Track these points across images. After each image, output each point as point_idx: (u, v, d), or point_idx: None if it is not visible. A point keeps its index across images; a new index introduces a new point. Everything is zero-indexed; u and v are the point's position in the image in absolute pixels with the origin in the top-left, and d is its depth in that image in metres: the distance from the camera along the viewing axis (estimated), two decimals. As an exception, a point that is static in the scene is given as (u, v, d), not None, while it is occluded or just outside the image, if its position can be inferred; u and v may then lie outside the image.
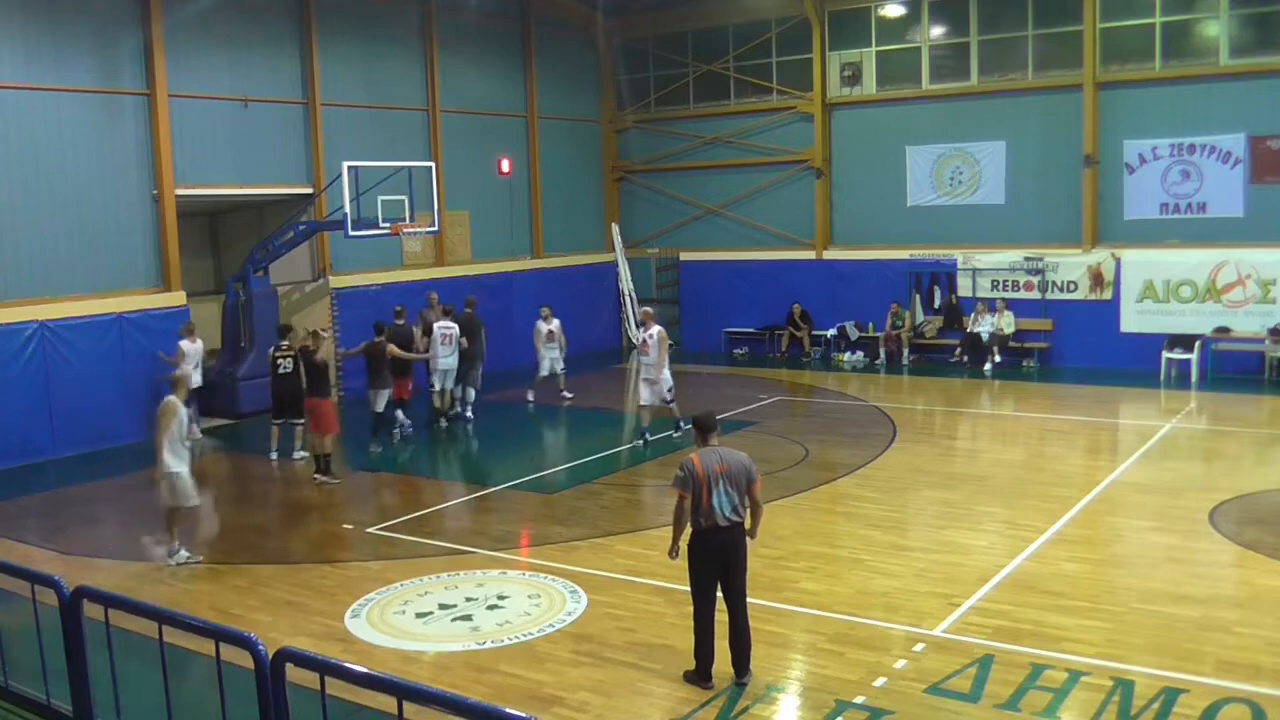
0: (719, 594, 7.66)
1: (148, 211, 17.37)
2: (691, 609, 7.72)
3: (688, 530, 7.65)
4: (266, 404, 18.44)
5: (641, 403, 15.76)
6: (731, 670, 7.67)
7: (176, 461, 10.68)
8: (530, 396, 18.88)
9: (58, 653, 6.30)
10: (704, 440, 7.77)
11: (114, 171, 16.88)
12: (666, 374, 15.62)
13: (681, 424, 15.52)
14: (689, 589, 7.74)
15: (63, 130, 16.26)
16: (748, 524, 7.71)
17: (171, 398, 10.78)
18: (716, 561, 7.54)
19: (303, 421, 14.97)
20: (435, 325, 17.14)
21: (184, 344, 16.14)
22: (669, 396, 15.74)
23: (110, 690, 6.19)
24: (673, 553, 7.78)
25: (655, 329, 15.51)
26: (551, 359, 18.93)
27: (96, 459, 15.78)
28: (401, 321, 16.77)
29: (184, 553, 10.84)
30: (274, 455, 15.44)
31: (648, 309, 16.68)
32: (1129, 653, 7.91)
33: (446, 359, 17.04)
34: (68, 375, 15.97)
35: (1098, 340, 20.62)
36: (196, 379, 16.15)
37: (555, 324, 18.87)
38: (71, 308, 16.16)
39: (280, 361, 15.15)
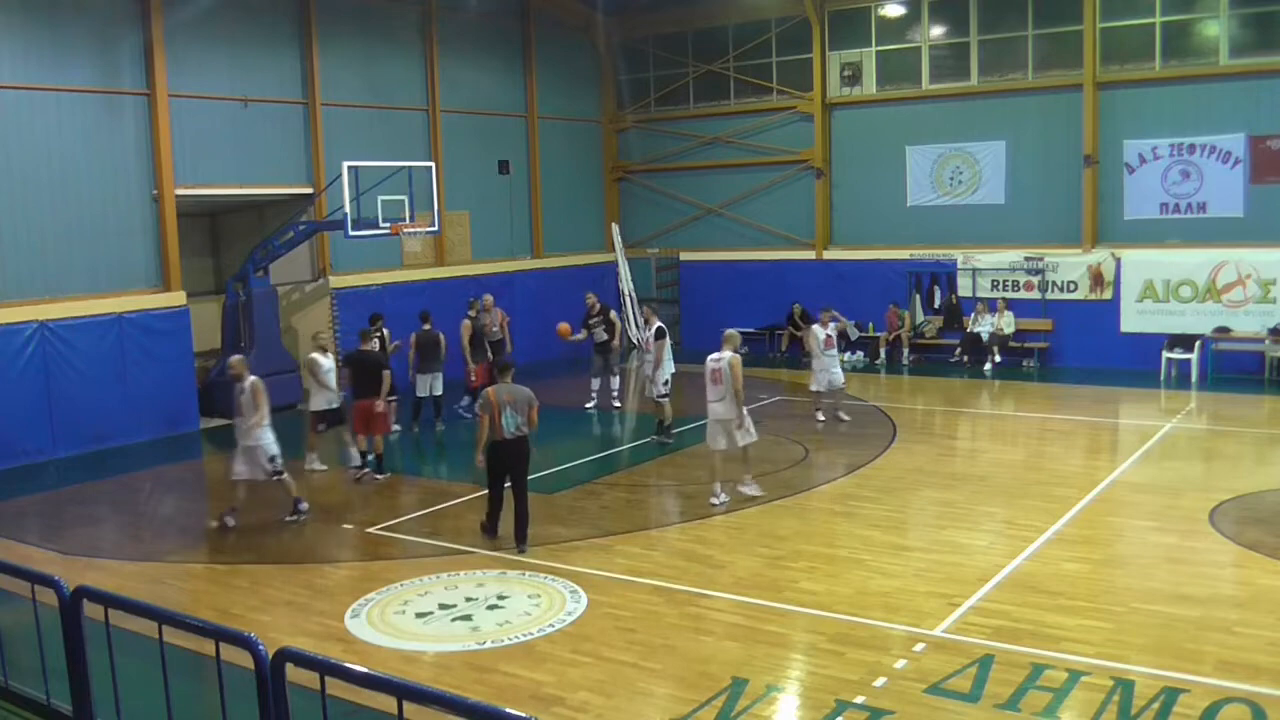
0: (507, 486, 10.84)
1: (148, 211, 17.37)
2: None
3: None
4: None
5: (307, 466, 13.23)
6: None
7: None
8: (823, 416, 16.52)
9: (58, 653, 6.29)
10: (503, 378, 10.94)
11: (114, 171, 16.87)
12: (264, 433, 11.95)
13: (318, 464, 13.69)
14: (486, 481, 11.04)
15: (63, 130, 16.25)
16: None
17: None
18: (506, 463, 10.73)
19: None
20: (655, 324, 16.11)
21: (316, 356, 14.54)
22: (274, 467, 12.04)
23: (110, 690, 6.18)
24: (478, 459, 10.82)
25: (249, 380, 11.87)
26: (833, 371, 16.20)
27: (96, 459, 15.79)
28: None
29: (724, 495, 12.15)
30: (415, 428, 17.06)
31: (313, 356, 13.54)
32: (1129, 653, 7.91)
33: (666, 361, 15.86)
34: (68, 375, 15.98)
35: (1098, 340, 20.62)
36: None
37: (833, 327, 16.44)
38: (71, 308, 16.15)
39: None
